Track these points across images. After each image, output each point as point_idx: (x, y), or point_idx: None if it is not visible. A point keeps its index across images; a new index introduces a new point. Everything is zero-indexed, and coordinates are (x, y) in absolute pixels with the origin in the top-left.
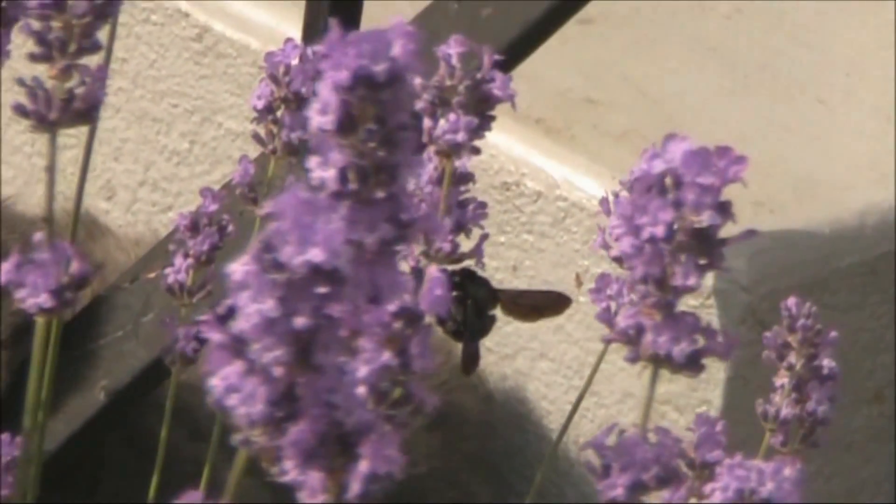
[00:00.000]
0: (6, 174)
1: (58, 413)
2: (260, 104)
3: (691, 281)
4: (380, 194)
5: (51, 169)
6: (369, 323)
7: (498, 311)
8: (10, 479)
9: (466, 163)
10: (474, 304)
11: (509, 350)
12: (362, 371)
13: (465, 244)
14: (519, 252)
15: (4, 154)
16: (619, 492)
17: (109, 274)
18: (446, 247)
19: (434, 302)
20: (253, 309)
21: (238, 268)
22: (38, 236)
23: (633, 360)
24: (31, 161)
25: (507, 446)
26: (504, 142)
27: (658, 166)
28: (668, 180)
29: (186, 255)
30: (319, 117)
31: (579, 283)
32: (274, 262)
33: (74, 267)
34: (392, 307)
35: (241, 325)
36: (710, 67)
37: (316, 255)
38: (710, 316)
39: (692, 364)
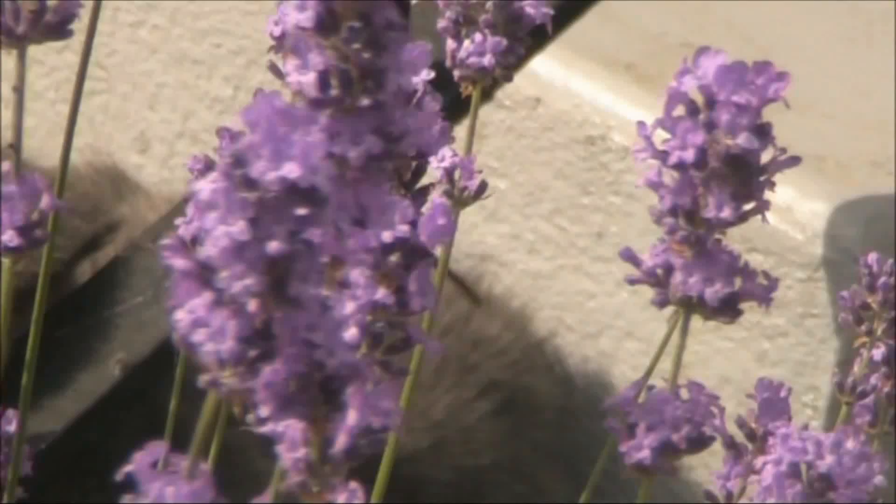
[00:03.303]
0: (27, 123)
1: (66, 390)
2: (277, 31)
3: (725, 213)
4: (365, 102)
5: (20, 90)
6: (354, 250)
7: None
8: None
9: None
10: None
11: (592, 329)
12: (349, 307)
13: None
14: (604, 216)
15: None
16: (645, 454)
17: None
18: (472, 185)
19: (435, 232)
20: (221, 231)
21: (205, 185)
22: (5, 167)
23: (662, 303)
24: (56, 109)
25: (587, 437)
26: (589, 90)
27: (689, 83)
28: (699, 99)
29: None
30: (296, 14)
31: None
32: (245, 179)
33: (45, 202)
34: (387, 238)
35: (208, 250)
36: (827, 12)
37: (291, 170)
38: (819, 290)
39: (728, 309)
